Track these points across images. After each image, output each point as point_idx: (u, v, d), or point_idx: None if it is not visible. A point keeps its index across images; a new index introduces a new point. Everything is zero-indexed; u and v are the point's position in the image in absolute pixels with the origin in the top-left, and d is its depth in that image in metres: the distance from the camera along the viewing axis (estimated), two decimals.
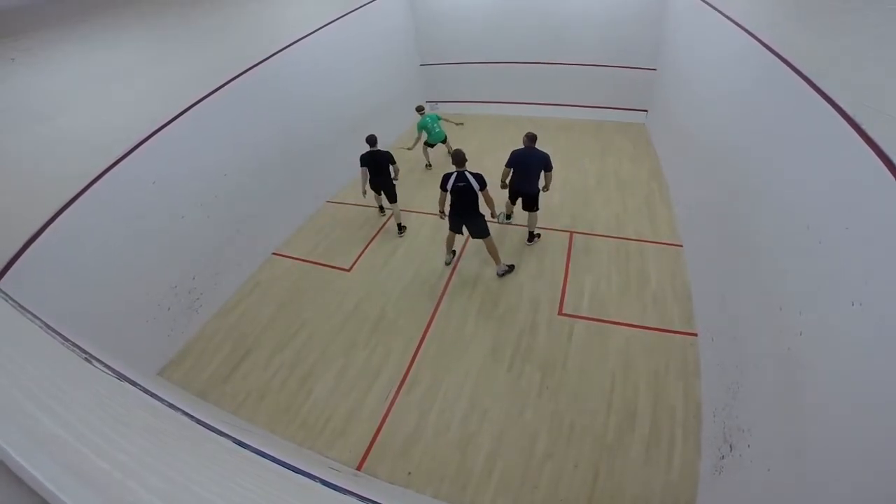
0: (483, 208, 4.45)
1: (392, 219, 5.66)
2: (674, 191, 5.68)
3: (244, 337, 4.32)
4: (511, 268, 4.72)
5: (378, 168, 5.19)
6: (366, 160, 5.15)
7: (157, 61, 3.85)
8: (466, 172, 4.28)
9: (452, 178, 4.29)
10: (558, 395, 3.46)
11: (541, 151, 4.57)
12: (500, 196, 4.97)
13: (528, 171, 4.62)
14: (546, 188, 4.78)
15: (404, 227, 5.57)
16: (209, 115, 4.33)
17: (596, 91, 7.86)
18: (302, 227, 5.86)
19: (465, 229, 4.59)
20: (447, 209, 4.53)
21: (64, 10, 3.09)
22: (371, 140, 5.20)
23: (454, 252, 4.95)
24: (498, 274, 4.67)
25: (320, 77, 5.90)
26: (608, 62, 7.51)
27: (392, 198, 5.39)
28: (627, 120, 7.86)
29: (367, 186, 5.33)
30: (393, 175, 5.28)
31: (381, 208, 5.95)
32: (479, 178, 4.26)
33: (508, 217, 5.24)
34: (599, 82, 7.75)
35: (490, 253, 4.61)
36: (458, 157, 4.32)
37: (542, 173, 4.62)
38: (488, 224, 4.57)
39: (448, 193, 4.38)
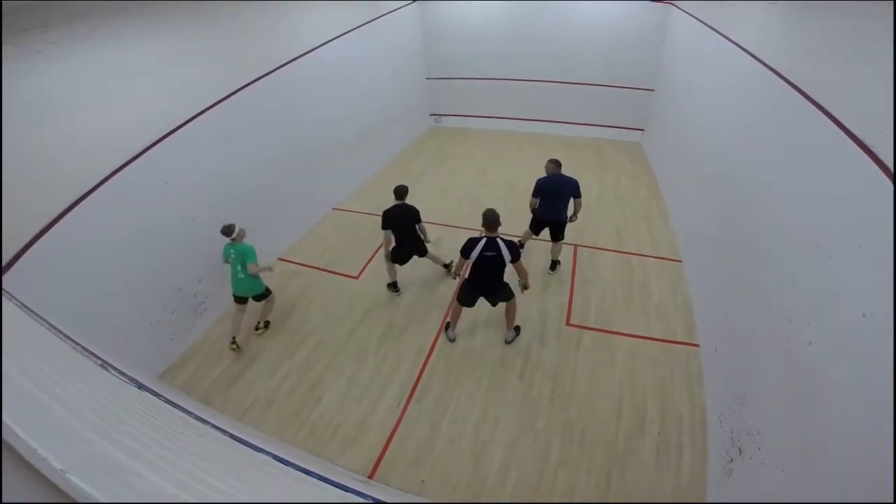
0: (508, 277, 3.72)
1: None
2: (672, 208, 5.88)
3: (249, 342, 4.26)
4: (518, 330, 4.16)
5: (405, 230, 4.14)
6: (391, 219, 4.04)
7: (181, 61, 3.88)
8: (498, 240, 3.45)
9: (480, 245, 3.46)
10: (569, 404, 3.52)
11: (569, 177, 4.28)
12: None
13: (557, 199, 4.30)
14: (575, 217, 4.44)
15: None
16: (224, 119, 4.35)
17: (594, 109, 8.15)
18: (308, 233, 5.85)
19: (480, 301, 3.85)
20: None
21: (90, 6, 3.11)
22: (400, 192, 4.09)
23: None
24: (507, 341, 4.05)
25: (331, 86, 5.98)
26: (608, 82, 7.82)
27: (423, 253, 4.45)
28: (624, 138, 8.15)
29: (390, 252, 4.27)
30: (424, 237, 4.38)
31: (395, 285, 4.58)
32: (513, 249, 3.46)
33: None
34: (598, 101, 8.05)
35: (508, 316, 3.96)
36: (491, 220, 3.44)
37: (571, 200, 4.32)
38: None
39: (471, 262, 3.53)
